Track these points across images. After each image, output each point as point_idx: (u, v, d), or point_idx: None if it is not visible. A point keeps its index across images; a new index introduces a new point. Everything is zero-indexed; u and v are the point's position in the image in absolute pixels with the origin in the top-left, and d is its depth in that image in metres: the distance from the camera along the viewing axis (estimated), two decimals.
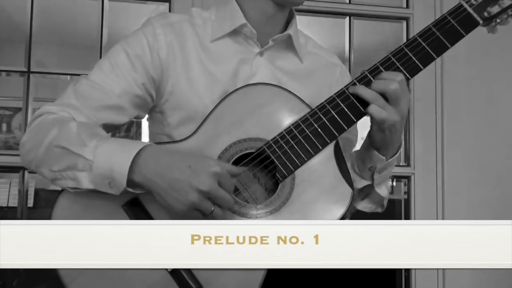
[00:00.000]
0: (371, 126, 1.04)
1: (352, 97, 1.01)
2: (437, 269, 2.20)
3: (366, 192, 1.16)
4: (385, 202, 1.18)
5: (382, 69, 1.01)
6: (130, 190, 0.92)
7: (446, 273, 2.20)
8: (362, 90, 0.99)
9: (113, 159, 0.91)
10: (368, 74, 1.01)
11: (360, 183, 1.12)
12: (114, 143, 0.94)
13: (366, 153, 1.09)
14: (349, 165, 1.07)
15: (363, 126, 1.10)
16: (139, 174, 0.91)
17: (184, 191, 0.88)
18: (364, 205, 1.18)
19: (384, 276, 0.87)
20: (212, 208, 0.89)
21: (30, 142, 1.00)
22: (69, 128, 0.96)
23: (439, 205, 2.22)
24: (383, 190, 1.14)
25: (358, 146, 1.19)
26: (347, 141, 1.17)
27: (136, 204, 0.95)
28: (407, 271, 2.26)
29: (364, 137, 1.10)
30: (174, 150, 0.95)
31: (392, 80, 0.98)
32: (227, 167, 0.93)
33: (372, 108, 0.98)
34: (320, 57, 1.22)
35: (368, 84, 1.00)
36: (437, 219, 2.21)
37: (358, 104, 1.01)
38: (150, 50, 1.07)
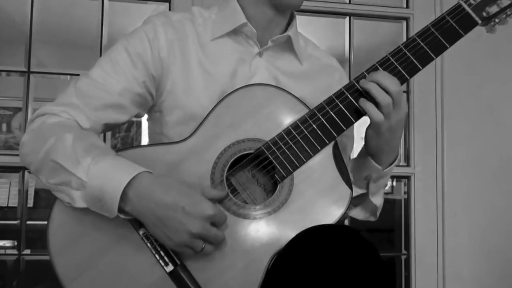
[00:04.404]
0: (367, 130, 1.03)
1: (350, 97, 1.01)
2: (437, 269, 2.21)
3: (360, 200, 1.15)
4: (378, 212, 1.17)
5: (381, 70, 1.01)
6: (122, 216, 0.91)
7: (446, 274, 2.20)
8: (365, 83, 0.99)
9: (105, 184, 0.89)
10: (367, 75, 1.01)
11: (354, 191, 1.10)
12: (108, 164, 0.91)
13: (362, 161, 1.09)
14: None
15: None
16: (130, 206, 0.89)
17: (175, 230, 0.87)
18: (356, 213, 1.17)
19: (384, 276, 0.86)
20: (203, 246, 0.89)
21: (29, 145, 1.00)
22: (65, 141, 0.94)
23: (439, 205, 2.22)
24: (377, 200, 1.14)
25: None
26: (341, 145, 1.16)
27: None
28: (407, 271, 2.26)
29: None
30: (169, 185, 0.91)
31: (394, 82, 0.98)
32: (215, 194, 0.92)
33: (369, 108, 0.98)
34: (319, 60, 1.22)
35: None
36: (436, 219, 2.21)
37: (357, 105, 1.01)
38: (150, 48, 1.06)
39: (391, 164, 1.08)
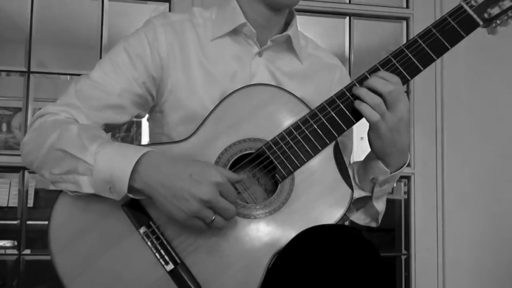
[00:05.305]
0: (368, 132, 1.02)
1: (351, 98, 1.01)
2: (437, 269, 2.21)
3: (363, 203, 1.14)
4: (380, 218, 1.15)
5: (382, 71, 1.01)
6: (130, 196, 0.92)
7: (446, 274, 2.20)
8: (356, 89, 0.99)
9: (114, 165, 0.90)
10: (368, 75, 1.01)
11: (358, 193, 1.11)
12: (115, 148, 0.93)
13: (369, 163, 1.08)
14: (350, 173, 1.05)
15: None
16: (140, 181, 0.90)
17: (185, 200, 0.87)
18: (358, 217, 1.16)
19: (384, 276, 0.87)
20: (213, 217, 0.89)
21: (31, 143, 1.00)
22: (70, 131, 0.96)
23: (439, 205, 2.22)
24: (380, 205, 1.13)
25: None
26: (341, 145, 1.15)
27: (136, 204, 0.95)
28: (407, 271, 2.26)
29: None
30: (176, 158, 0.94)
31: (388, 82, 0.97)
32: (228, 174, 0.92)
33: (364, 108, 0.98)
34: (320, 59, 1.21)
35: None
36: (436, 219, 2.21)
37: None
38: (150, 49, 1.07)
39: (399, 169, 1.06)
